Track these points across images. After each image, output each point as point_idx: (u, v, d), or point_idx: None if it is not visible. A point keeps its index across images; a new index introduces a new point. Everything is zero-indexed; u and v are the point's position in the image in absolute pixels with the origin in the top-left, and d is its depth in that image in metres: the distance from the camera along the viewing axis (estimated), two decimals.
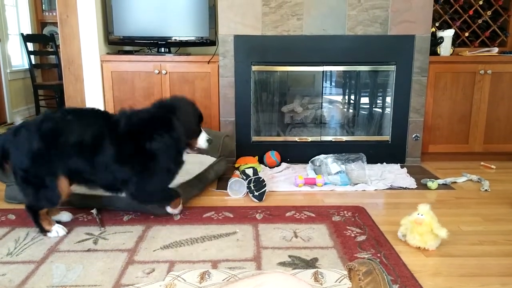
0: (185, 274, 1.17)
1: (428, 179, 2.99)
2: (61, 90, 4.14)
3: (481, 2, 3.72)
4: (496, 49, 3.59)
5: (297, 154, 3.44)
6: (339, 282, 1.13)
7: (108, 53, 3.55)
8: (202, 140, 2.33)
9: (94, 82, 3.44)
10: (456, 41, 3.73)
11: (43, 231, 2.16)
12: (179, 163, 2.30)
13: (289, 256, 1.97)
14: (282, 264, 1.90)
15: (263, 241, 2.12)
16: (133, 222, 2.35)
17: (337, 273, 1.15)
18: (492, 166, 3.42)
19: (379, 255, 1.98)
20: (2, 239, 2.14)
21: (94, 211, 2.43)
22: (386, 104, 3.56)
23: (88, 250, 2.03)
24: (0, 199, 2.65)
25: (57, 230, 2.17)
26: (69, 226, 2.29)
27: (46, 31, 6.33)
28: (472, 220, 2.43)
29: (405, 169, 3.30)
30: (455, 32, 3.63)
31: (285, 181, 3.04)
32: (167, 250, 2.03)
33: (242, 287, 0.77)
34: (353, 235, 2.19)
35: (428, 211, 2.07)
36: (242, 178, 2.80)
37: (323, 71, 3.53)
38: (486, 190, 2.90)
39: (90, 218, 2.39)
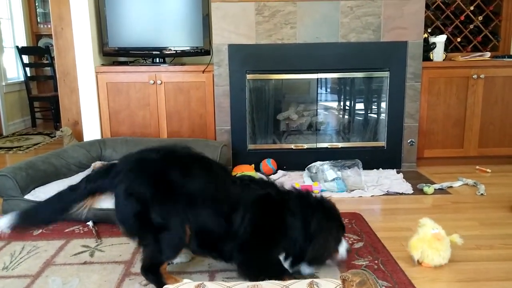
0: (180, 287, 1.16)
1: (424, 184, 3.00)
2: (57, 102, 4.15)
3: (472, 8, 3.75)
4: (488, 54, 3.62)
5: (293, 162, 3.45)
6: None
7: (103, 64, 3.56)
8: (343, 249, 1.88)
9: (89, 94, 3.44)
10: (449, 47, 3.76)
11: None
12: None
13: None
14: None
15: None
16: None
17: (333, 283, 1.15)
18: (488, 170, 3.43)
19: (376, 261, 1.98)
20: None
21: (90, 223, 2.42)
22: (381, 110, 3.58)
23: (84, 263, 2.02)
24: None
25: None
26: (65, 239, 2.28)
27: (41, 43, 6.34)
28: (469, 224, 2.43)
29: (401, 175, 3.31)
30: (447, 38, 3.66)
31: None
32: None
33: None
34: (350, 242, 2.19)
35: (434, 223, 1.99)
36: None
37: (317, 79, 3.54)
38: (482, 194, 2.90)
39: (86, 230, 2.39)
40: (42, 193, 2.57)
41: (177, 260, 1.97)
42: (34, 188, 2.63)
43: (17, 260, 2.05)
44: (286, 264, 1.79)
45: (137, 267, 1.97)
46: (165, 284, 1.63)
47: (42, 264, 2.01)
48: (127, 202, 1.68)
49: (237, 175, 2.01)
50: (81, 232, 2.37)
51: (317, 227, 1.77)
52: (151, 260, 1.70)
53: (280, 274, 1.66)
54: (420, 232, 1.98)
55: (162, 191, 1.68)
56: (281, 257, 1.78)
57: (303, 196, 1.86)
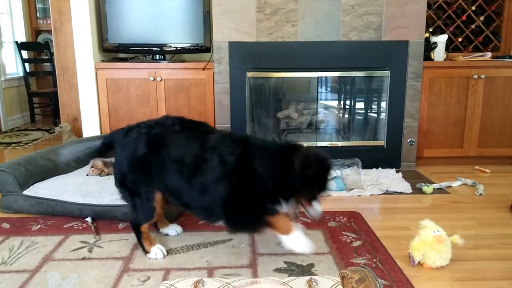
0: (179, 283, 1.16)
1: (423, 184, 3.00)
2: (56, 98, 4.14)
3: (474, 8, 3.75)
4: (489, 54, 3.62)
5: None
6: None
7: (102, 61, 3.55)
8: (315, 207, 1.88)
9: (88, 90, 3.44)
10: (450, 46, 3.75)
11: (144, 251, 2.04)
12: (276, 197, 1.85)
13: (285, 262, 1.97)
14: (278, 270, 1.90)
15: (259, 247, 2.12)
16: (128, 229, 2.33)
17: (332, 280, 1.15)
18: (487, 170, 3.43)
19: (374, 260, 1.98)
20: None
21: (89, 219, 2.42)
22: (381, 109, 3.58)
23: (83, 259, 2.02)
24: None
25: (156, 252, 2.01)
26: (64, 234, 2.28)
27: (40, 38, 6.33)
28: (467, 224, 2.43)
29: (400, 174, 3.31)
30: (449, 37, 3.66)
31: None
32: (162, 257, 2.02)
33: None
34: (348, 240, 2.19)
35: (435, 225, 1.99)
36: None
37: (318, 77, 3.54)
38: (480, 194, 2.91)
39: (85, 226, 2.38)
40: (40, 189, 2.57)
41: (165, 231, 2.26)
42: (33, 184, 2.62)
43: (16, 255, 2.04)
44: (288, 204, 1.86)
45: (135, 263, 1.97)
46: (142, 242, 2.03)
47: (41, 259, 2.00)
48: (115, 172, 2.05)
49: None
50: (80, 228, 2.37)
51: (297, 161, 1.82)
52: (131, 219, 2.05)
53: (262, 216, 1.82)
54: (422, 234, 1.97)
55: (134, 165, 1.96)
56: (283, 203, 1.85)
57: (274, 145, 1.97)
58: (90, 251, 2.10)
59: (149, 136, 1.95)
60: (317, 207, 1.90)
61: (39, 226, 2.39)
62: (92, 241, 2.21)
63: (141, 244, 2.04)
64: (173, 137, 1.94)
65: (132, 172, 1.96)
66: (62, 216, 2.49)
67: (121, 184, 2.01)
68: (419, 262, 1.95)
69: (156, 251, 2.02)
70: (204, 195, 1.85)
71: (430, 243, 1.92)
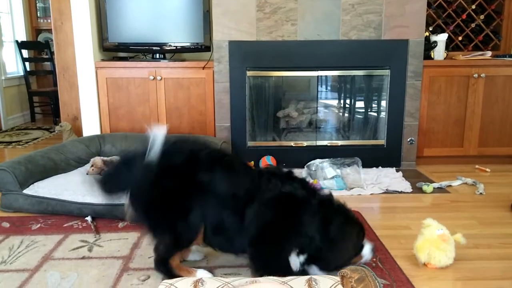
0: (178, 283, 1.16)
1: (424, 183, 3.00)
2: (56, 97, 4.14)
3: (474, 6, 3.75)
4: (489, 53, 3.61)
5: (293, 159, 3.44)
6: None
7: (103, 60, 3.55)
8: (367, 251, 1.84)
9: (88, 89, 3.44)
10: (450, 45, 3.75)
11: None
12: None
13: None
14: None
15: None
16: (128, 229, 2.34)
17: (331, 279, 1.15)
18: (487, 169, 3.43)
19: (374, 259, 1.98)
20: None
21: (89, 218, 2.42)
22: (381, 108, 3.57)
23: (83, 258, 2.02)
24: None
25: (201, 275, 1.81)
26: (64, 233, 2.28)
27: (41, 38, 6.33)
28: (468, 223, 2.43)
29: (400, 173, 3.31)
30: (449, 36, 3.65)
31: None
32: None
33: None
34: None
35: (438, 223, 1.98)
36: None
37: (318, 76, 3.54)
38: (481, 193, 2.90)
39: (85, 225, 2.38)
40: (40, 188, 2.57)
41: (191, 257, 2.01)
42: (33, 183, 2.62)
43: (16, 254, 2.05)
44: (298, 260, 1.75)
45: (135, 262, 1.97)
46: (176, 276, 1.69)
47: (41, 258, 2.01)
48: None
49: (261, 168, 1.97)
50: (80, 227, 2.37)
51: (338, 230, 1.72)
52: (167, 249, 1.76)
53: (286, 273, 1.55)
54: (425, 233, 1.95)
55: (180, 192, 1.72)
56: (294, 254, 1.74)
57: (324, 198, 1.82)
58: (90, 250, 2.10)
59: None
60: (368, 248, 1.84)
61: (39, 225, 2.39)
62: (92, 240, 2.21)
63: (175, 275, 1.72)
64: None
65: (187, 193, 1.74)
66: (62, 215, 2.49)
67: (158, 203, 1.74)
68: (424, 263, 1.94)
69: (202, 274, 1.83)
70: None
71: (435, 242, 1.91)
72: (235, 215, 1.72)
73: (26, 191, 2.55)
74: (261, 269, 1.69)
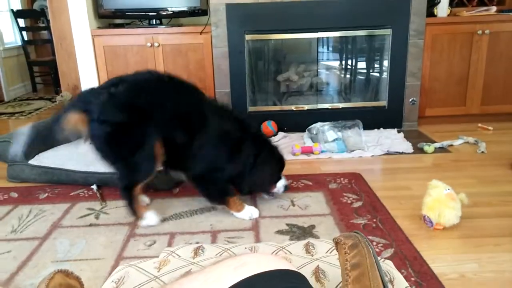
0: (179, 250, 1.20)
1: (425, 143, 3.01)
2: (56, 66, 4.11)
3: None
4: (494, 8, 3.52)
5: (294, 123, 3.45)
6: (330, 252, 1.16)
7: (99, 27, 3.50)
8: (280, 185, 2.27)
9: (86, 58, 3.40)
10: (454, 1, 3.65)
11: (136, 217, 2.02)
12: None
13: (287, 224, 2.01)
14: (280, 232, 1.95)
15: (261, 210, 2.16)
16: None
17: (329, 243, 1.18)
18: (489, 128, 3.42)
19: (375, 220, 2.02)
20: (5, 217, 2.18)
21: (94, 186, 2.46)
22: (383, 69, 3.53)
23: (90, 225, 2.07)
24: (2, 177, 2.68)
25: (150, 217, 2.02)
26: (71, 202, 2.33)
27: (36, 5, 6.21)
28: (468, 182, 2.45)
29: (402, 134, 3.31)
30: None
31: (282, 150, 3.04)
32: (167, 222, 2.08)
33: (224, 267, 0.80)
34: (349, 201, 2.23)
35: (444, 183, 1.99)
36: None
37: (318, 38, 3.48)
38: (482, 152, 2.91)
39: (90, 193, 2.43)
40: (45, 158, 2.61)
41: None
42: (38, 153, 2.65)
43: (25, 223, 2.10)
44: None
45: (141, 228, 2.02)
46: (132, 206, 1.98)
47: (49, 226, 2.06)
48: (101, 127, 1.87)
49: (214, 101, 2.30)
50: (86, 195, 2.42)
51: (263, 160, 2.13)
52: (128, 181, 1.97)
53: (224, 192, 2.10)
54: (433, 193, 1.95)
55: (134, 116, 1.89)
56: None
57: (257, 136, 2.22)
58: (97, 217, 2.15)
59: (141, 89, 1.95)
60: (282, 183, 2.26)
61: (46, 194, 2.44)
62: (98, 208, 2.26)
63: (134, 209, 1.99)
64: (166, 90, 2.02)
65: (132, 121, 1.87)
66: (68, 185, 2.54)
67: (116, 141, 1.87)
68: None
69: (150, 215, 2.03)
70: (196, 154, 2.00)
71: (444, 201, 1.91)
72: (187, 142, 1.98)
73: (31, 162, 2.59)
74: (205, 195, 2.14)
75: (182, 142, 1.97)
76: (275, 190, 2.25)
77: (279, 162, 2.25)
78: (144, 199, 2.27)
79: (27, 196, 2.43)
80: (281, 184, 2.25)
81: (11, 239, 1.96)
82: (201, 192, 2.15)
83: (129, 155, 1.89)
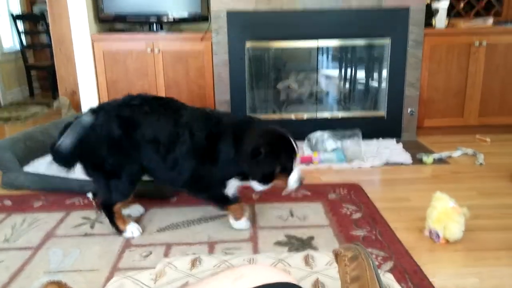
0: (176, 261, 1.17)
1: (424, 154, 3.00)
2: (54, 71, 4.08)
3: None
4: (491, 20, 3.53)
5: (293, 132, 3.37)
6: (330, 265, 1.14)
7: (99, 32, 3.48)
8: (292, 180, 1.89)
9: (85, 62, 3.39)
10: (451, 12, 3.66)
11: (118, 231, 2.02)
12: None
13: (285, 236, 1.99)
14: (278, 243, 1.92)
15: (259, 220, 2.13)
16: (128, 205, 2.35)
17: (328, 255, 1.16)
18: (487, 139, 3.41)
19: (374, 232, 2.00)
20: None
21: (90, 195, 2.42)
22: (382, 78, 3.53)
23: (85, 235, 2.04)
24: None
25: (132, 231, 2.01)
26: (66, 211, 2.29)
27: (36, 9, 6.19)
28: (468, 194, 2.43)
29: (401, 144, 3.30)
30: (450, 3, 3.56)
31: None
32: (163, 232, 2.05)
33: (222, 279, 0.78)
34: (348, 212, 2.20)
35: (448, 197, 1.95)
36: None
37: (318, 46, 3.47)
38: (481, 163, 2.90)
39: (86, 202, 2.40)
40: (41, 164, 2.57)
41: (127, 212, 2.18)
42: (33, 160, 2.62)
43: (18, 232, 2.07)
44: (236, 182, 1.96)
45: (137, 238, 1.99)
46: (114, 222, 2.00)
47: (43, 236, 2.03)
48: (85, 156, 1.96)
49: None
50: (81, 204, 2.38)
51: (251, 150, 1.82)
52: (104, 200, 1.99)
53: (223, 203, 2.02)
54: (438, 206, 1.92)
55: (112, 149, 1.91)
56: (235, 180, 1.95)
57: (242, 122, 1.97)
58: (92, 227, 2.12)
59: (121, 119, 1.93)
60: (293, 180, 1.89)
61: (40, 202, 2.41)
62: (93, 217, 2.22)
63: (115, 224, 2.01)
64: (145, 118, 1.94)
65: (112, 154, 1.92)
66: (63, 192, 2.50)
67: (97, 167, 1.95)
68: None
69: (132, 229, 2.02)
70: (174, 170, 1.93)
71: (450, 214, 1.88)
72: (163, 160, 1.92)
73: (26, 169, 2.56)
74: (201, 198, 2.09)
75: (159, 161, 1.94)
76: (287, 187, 1.91)
77: (278, 145, 1.87)
78: (138, 208, 2.25)
79: (21, 204, 2.39)
80: (293, 177, 1.87)
81: (4, 249, 1.92)
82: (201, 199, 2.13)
83: (107, 178, 1.96)
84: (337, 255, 0.89)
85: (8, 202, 2.42)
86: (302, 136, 3.29)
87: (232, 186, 1.99)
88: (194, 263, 1.16)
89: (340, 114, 3.54)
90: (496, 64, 3.44)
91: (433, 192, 2.03)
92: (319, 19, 3.25)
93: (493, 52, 3.42)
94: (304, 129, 3.35)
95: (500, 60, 3.44)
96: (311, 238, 1.96)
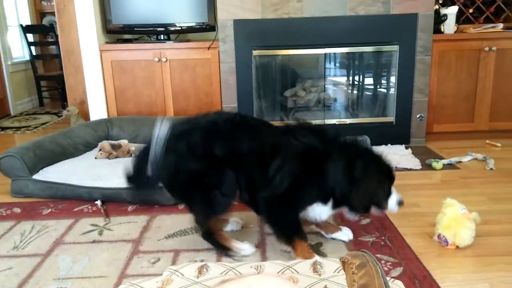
0: (183, 269, 1.17)
1: (433, 160, 2.97)
2: (63, 81, 4.13)
3: None
4: (501, 25, 3.51)
5: None
6: (338, 272, 1.12)
7: (107, 42, 3.52)
8: (393, 203, 1.82)
9: (94, 72, 3.42)
10: (460, 18, 3.65)
11: (227, 251, 1.86)
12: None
13: None
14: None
15: (267, 227, 2.12)
16: (137, 212, 2.36)
17: (336, 262, 1.15)
18: (498, 144, 3.38)
19: (383, 238, 1.98)
20: (8, 233, 2.15)
21: (98, 202, 2.44)
22: (390, 84, 3.52)
23: (93, 242, 2.04)
24: (5, 193, 2.66)
25: (243, 247, 1.87)
26: (74, 218, 2.30)
27: (45, 21, 6.29)
28: (477, 200, 2.41)
29: (409, 150, 3.28)
30: (459, 9, 3.55)
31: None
32: (172, 239, 2.04)
33: None
34: (357, 218, 2.18)
35: (458, 202, 1.93)
36: None
37: (325, 53, 3.48)
38: (491, 168, 2.87)
39: (95, 209, 2.41)
40: (50, 173, 2.60)
41: (228, 228, 2.09)
42: (42, 168, 2.64)
43: (27, 240, 2.08)
44: (326, 208, 1.81)
45: (145, 245, 1.99)
46: (222, 246, 1.85)
47: (52, 243, 2.03)
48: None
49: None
50: (90, 211, 2.39)
51: (362, 170, 1.72)
52: (203, 217, 1.84)
53: (294, 228, 1.80)
54: (448, 212, 1.90)
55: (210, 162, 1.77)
56: (319, 204, 1.80)
57: (348, 144, 1.82)
58: (100, 234, 2.12)
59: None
60: (394, 199, 1.81)
61: (49, 210, 2.42)
62: (102, 224, 2.23)
63: (220, 244, 1.85)
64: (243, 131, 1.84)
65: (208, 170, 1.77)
66: (72, 200, 2.51)
67: (189, 185, 1.80)
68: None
69: (243, 245, 1.88)
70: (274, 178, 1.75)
71: (461, 221, 1.86)
72: (262, 172, 1.75)
73: (35, 177, 2.58)
74: (271, 224, 1.85)
75: (256, 177, 1.79)
76: (387, 210, 1.85)
77: (384, 171, 1.81)
78: (237, 220, 2.15)
79: (30, 211, 2.41)
80: (393, 200, 1.82)
81: (13, 256, 1.93)
82: (271, 224, 1.86)
83: (203, 197, 1.81)
84: (344, 263, 0.88)
85: (17, 210, 2.43)
86: None
87: (323, 212, 1.83)
88: (201, 270, 1.15)
89: (348, 120, 3.53)
90: (506, 69, 3.42)
91: (442, 197, 2.01)
92: (326, 26, 3.26)
93: (503, 57, 3.40)
94: None
95: (510, 65, 3.42)
96: (320, 244, 1.95)
